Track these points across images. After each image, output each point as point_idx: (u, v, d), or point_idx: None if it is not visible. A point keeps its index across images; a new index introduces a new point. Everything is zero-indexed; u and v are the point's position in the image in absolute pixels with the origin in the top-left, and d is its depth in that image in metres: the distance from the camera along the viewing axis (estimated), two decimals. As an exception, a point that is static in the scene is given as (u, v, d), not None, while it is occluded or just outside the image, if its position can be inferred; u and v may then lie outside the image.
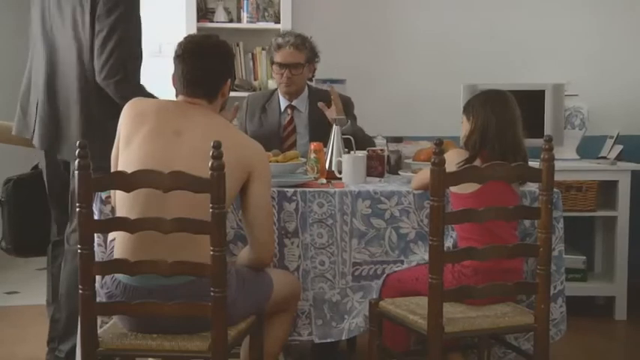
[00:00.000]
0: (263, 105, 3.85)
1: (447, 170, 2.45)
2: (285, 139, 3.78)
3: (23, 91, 3.39)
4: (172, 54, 2.65)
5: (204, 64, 2.59)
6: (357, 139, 3.34)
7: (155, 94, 3.18)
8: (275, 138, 3.72)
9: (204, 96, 2.61)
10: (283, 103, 3.83)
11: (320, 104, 3.63)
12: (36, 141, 3.31)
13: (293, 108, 3.82)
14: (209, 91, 2.62)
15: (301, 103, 3.82)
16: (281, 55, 3.72)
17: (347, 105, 3.72)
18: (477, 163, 2.82)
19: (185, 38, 2.68)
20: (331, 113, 3.55)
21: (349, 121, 3.55)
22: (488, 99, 2.93)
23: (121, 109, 2.67)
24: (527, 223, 3.00)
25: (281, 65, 3.72)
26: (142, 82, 3.27)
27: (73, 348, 3.24)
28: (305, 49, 3.73)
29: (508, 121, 2.88)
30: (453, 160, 2.79)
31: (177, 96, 2.66)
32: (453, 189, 2.85)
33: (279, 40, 3.75)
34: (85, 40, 3.19)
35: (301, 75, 3.75)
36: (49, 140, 3.28)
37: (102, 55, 3.15)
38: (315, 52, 3.79)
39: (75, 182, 3.27)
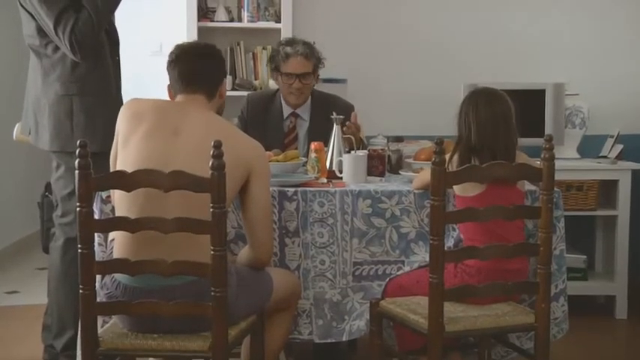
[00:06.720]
0: (266, 106, 3.79)
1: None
2: (287, 146, 3.71)
3: None
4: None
5: (201, 62, 2.64)
6: None
7: None
8: (277, 144, 3.60)
9: (204, 92, 2.62)
10: (286, 109, 3.76)
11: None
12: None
13: (296, 116, 3.77)
14: (208, 87, 2.63)
15: (305, 111, 3.76)
16: (290, 65, 3.63)
17: (346, 110, 3.59)
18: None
19: (176, 46, 2.70)
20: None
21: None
22: (473, 101, 2.85)
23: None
24: (530, 224, 2.99)
25: (290, 75, 3.65)
26: None
27: (67, 342, 3.27)
28: (313, 58, 3.67)
29: (490, 120, 2.79)
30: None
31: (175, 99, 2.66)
32: (457, 192, 2.83)
33: (288, 49, 3.65)
34: None
35: (310, 84, 3.69)
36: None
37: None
38: (320, 59, 3.72)
39: (56, 175, 3.33)
